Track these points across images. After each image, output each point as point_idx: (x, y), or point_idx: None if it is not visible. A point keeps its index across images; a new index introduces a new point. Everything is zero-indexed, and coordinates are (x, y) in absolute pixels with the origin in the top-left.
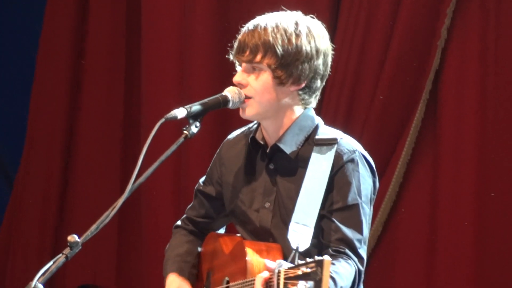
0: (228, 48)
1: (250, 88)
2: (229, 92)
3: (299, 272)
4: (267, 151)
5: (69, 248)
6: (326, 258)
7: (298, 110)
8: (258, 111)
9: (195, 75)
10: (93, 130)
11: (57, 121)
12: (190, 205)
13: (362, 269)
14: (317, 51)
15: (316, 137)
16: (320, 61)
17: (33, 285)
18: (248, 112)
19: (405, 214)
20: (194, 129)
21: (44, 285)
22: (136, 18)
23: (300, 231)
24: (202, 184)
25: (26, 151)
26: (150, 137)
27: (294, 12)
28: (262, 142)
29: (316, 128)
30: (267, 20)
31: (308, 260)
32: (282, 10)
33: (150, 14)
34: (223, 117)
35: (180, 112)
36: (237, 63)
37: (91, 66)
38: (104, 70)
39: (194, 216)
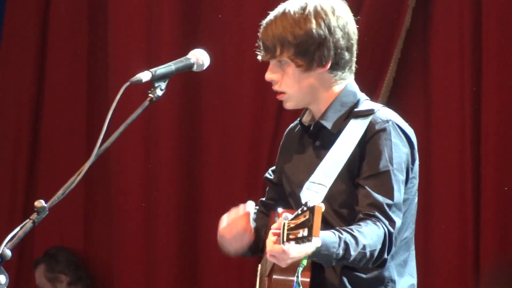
0: (194, 12)
1: (282, 83)
2: (194, 55)
3: (300, 221)
4: (311, 128)
5: (36, 213)
6: (318, 204)
7: (337, 87)
8: (296, 103)
9: (162, 38)
10: (60, 95)
11: (24, 85)
12: (266, 189)
13: (393, 231)
14: (330, 29)
15: (355, 109)
16: (338, 36)
17: (0, 250)
18: (288, 106)
19: None
20: (159, 92)
21: (12, 250)
22: None
23: (314, 189)
24: (270, 172)
25: None
26: (115, 101)
27: None
28: (307, 124)
29: (357, 102)
30: (277, 12)
31: (304, 208)
32: None
33: None
34: (191, 83)
35: (145, 76)
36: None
37: (55, 28)
38: (68, 33)
39: (266, 199)
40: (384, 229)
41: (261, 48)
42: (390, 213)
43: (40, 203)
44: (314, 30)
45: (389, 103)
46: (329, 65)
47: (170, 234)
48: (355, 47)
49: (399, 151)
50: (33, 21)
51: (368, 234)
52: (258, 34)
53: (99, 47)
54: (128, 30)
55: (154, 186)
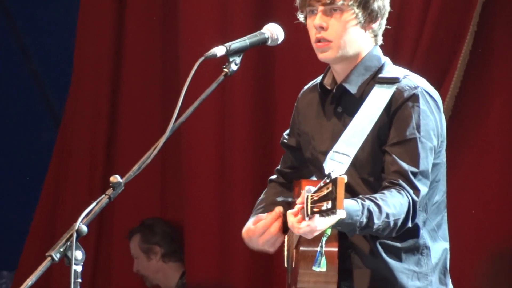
0: None
1: (332, 30)
2: (268, 29)
3: (323, 194)
4: (334, 91)
5: (111, 188)
6: (340, 176)
7: (366, 48)
8: (340, 54)
9: (235, 13)
10: (136, 70)
11: (101, 61)
12: (281, 158)
13: (417, 199)
14: None
15: (379, 75)
16: (387, 0)
17: (76, 226)
18: (330, 54)
19: (453, 148)
20: (234, 66)
21: (88, 226)
22: None
23: (338, 159)
24: (285, 136)
25: (73, 91)
26: (190, 76)
27: None
28: (329, 87)
29: (382, 67)
30: None
31: (327, 180)
32: None
33: None
34: (265, 57)
35: (219, 50)
36: (306, 11)
37: (131, 6)
38: (144, 10)
39: (283, 168)
40: (408, 197)
41: None
42: (415, 181)
43: (115, 178)
44: None
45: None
46: (378, 22)
47: (244, 205)
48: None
49: (427, 118)
50: None
51: (392, 203)
52: None
53: (173, 21)
54: (200, 4)
55: (227, 160)
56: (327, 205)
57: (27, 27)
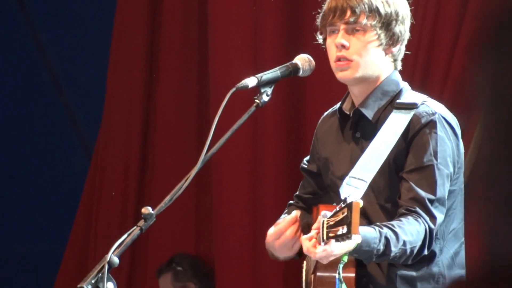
0: (298, 17)
1: (353, 49)
2: (299, 60)
3: (339, 218)
4: (351, 115)
5: (143, 220)
6: (356, 200)
7: (385, 72)
8: (360, 73)
9: (266, 45)
10: (170, 100)
11: (135, 94)
12: (300, 184)
13: (434, 227)
14: (407, 14)
15: (397, 101)
16: (408, 24)
17: (108, 257)
18: (350, 74)
19: None
20: (265, 97)
21: (119, 257)
22: None
23: (355, 184)
24: (305, 162)
25: (105, 123)
26: (221, 107)
27: None
28: (348, 112)
29: (400, 92)
30: None
31: (343, 205)
32: None
33: None
34: (296, 87)
35: (251, 81)
36: (327, 30)
37: (165, 39)
38: (178, 44)
39: (302, 194)
40: (424, 225)
41: (337, 12)
42: (432, 209)
43: (147, 209)
44: (400, 11)
45: None
46: (398, 46)
47: None
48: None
49: (444, 145)
50: (142, 28)
51: (409, 230)
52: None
53: (206, 52)
54: (231, 34)
55: (259, 190)
56: (342, 230)
57: (59, 59)
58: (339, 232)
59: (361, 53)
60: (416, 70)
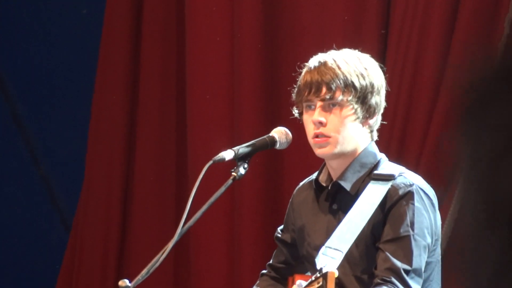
0: (275, 84)
1: (330, 126)
2: (276, 133)
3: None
4: (329, 188)
5: None
6: (331, 270)
7: (362, 144)
8: (338, 149)
9: (243, 116)
10: (148, 173)
11: (113, 166)
12: (273, 253)
13: None
14: (382, 83)
15: (375, 171)
16: (383, 94)
17: None
18: (328, 150)
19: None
20: (242, 170)
21: None
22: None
23: (331, 255)
24: (280, 231)
25: (83, 196)
26: (198, 180)
27: (345, 49)
28: (325, 184)
29: (377, 163)
30: (332, 57)
31: (318, 275)
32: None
33: (195, 43)
34: (274, 159)
35: (227, 154)
36: (303, 106)
37: (144, 109)
38: (156, 106)
39: (275, 263)
40: None
41: (312, 88)
42: (408, 279)
43: (124, 282)
44: (374, 82)
45: None
46: (374, 119)
47: None
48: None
49: (422, 216)
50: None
51: None
52: (301, 77)
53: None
54: (208, 104)
55: (237, 260)
56: None
57: (37, 131)
58: None
59: (339, 130)
60: (392, 140)
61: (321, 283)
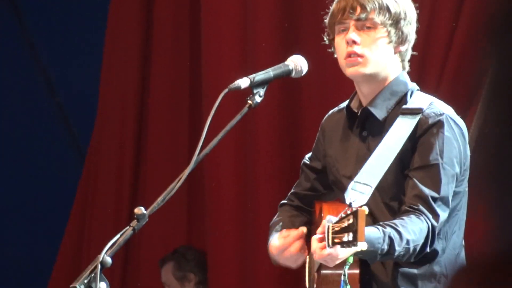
0: (291, 18)
1: (363, 45)
2: (292, 61)
3: (344, 225)
4: (359, 114)
5: (136, 220)
6: (361, 208)
7: (394, 73)
8: (370, 70)
9: (257, 44)
10: (162, 103)
11: (127, 93)
12: (296, 182)
13: (436, 225)
14: (414, 16)
15: (404, 106)
16: (414, 26)
17: (101, 258)
18: (361, 69)
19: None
20: (258, 98)
21: (112, 257)
22: None
23: (360, 189)
24: (308, 159)
25: (98, 124)
26: (214, 107)
27: None
28: (356, 111)
29: (407, 93)
30: None
31: (348, 212)
32: None
33: None
34: (289, 87)
35: (243, 82)
36: (336, 29)
37: (157, 42)
38: (170, 46)
39: (300, 190)
40: (427, 223)
41: (347, 9)
42: (435, 206)
43: (140, 210)
44: (408, 11)
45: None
46: (406, 46)
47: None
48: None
49: (451, 145)
50: (134, 28)
51: (412, 229)
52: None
53: (199, 52)
54: (222, 34)
55: (251, 190)
56: (348, 236)
57: (52, 60)
58: (345, 239)
59: (371, 49)
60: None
61: (351, 220)
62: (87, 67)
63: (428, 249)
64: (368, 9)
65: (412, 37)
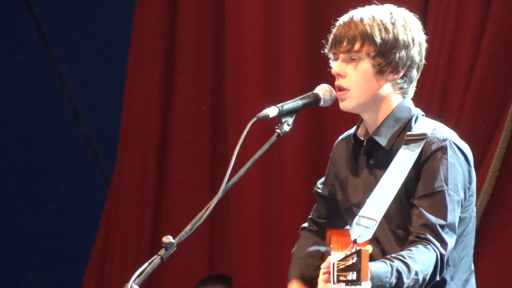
0: (317, 45)
1: (349, 78)
2: (321, 90)
3: (349, 263)
4: (365, 143)
5: (164, 249)
6: (365, 247)
7: (396, 100)
8: (357, 102)
9: (282, 74)
10: (184, 132)
11: (150, 124)
12: (314, 206)
13: (445, 253)
14: (413, 39)
15: (408, 133)
16: (416, 50)
17: (129, 286)
18: (348, 103)
19: (503, 208)
20: (286, 127)
21: (140, 286)
22: (221, 17)
23: (364, 224)
24: (319, 185)
25: (121, 152)
26: (242, 136)
27: (387, 4)
28: (362, 138)
29: (411, 119)
30: (362, 12)
31: (352, 250)
32: (374, 3)
33: (234, 11)
34: (316, 116)
35: (272, 111)
36: (332, 58)
37: (180, 71)
38: (192, 75)
39: (316, 217)
40: (435, 251)
41: (336, 41)
42: (443, 234)
43: (168, 239)
44: (400, 36)
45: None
46: (401, 74)
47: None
48: (420, 70)
49: (455, 171)
50: (157, 64)
51: (420, 260)
52: (331, 29)
53: (222, 85)
54: (247, 61)
55: (276, 214)
56: (352, 275)
57: (78, 88)
58: (349, 277)
59: (356, 82)
60: (433, 97)
61: (355, 259)
62: (112, 95)
63: (438, 278)
64: (353, 42)
65: (410, 62)
